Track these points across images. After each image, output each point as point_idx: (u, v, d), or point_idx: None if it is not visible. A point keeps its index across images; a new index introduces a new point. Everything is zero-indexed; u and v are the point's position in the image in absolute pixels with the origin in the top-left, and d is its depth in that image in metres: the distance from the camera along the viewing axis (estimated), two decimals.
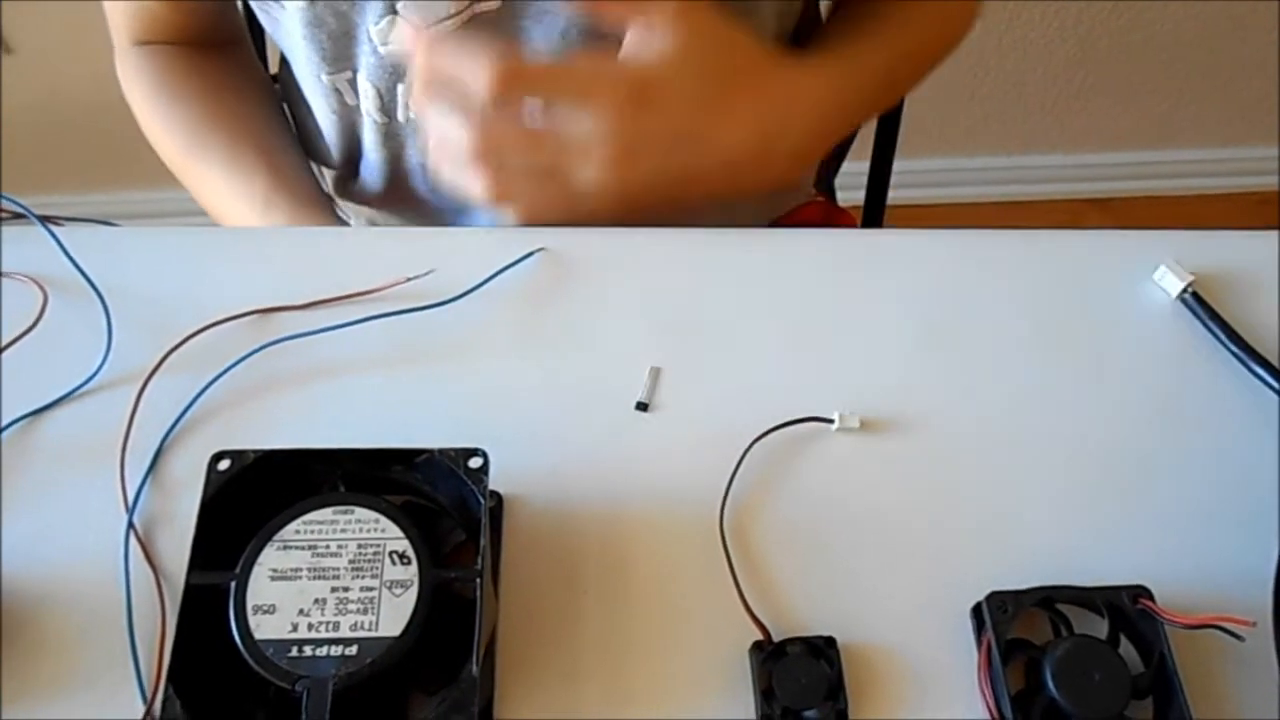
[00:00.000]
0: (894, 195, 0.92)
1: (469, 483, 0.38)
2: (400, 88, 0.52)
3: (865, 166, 0.89)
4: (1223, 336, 0.47)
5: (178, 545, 0.41)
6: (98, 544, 0.41)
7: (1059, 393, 0.46)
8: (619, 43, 0.46)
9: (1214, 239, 0.50)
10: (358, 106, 0.54)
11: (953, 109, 1.48)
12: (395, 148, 0.56)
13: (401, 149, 0.57)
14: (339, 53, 0.51)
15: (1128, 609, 0.40)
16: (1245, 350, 0.46)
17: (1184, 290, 0.47)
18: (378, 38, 0.50)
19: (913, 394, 0.46)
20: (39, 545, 0.42)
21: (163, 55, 0.61)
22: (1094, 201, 1.63)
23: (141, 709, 0.38)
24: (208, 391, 0.45)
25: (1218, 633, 0.40)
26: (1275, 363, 0.46)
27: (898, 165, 0.91)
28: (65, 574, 0.41)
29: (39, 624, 0.40)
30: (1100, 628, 0.40)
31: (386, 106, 0.53)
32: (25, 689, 0.39)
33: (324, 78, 0.53)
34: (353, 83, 0.53)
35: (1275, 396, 0.45)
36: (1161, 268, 0.48)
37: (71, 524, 0.42)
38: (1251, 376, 0.46)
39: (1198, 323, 0.47)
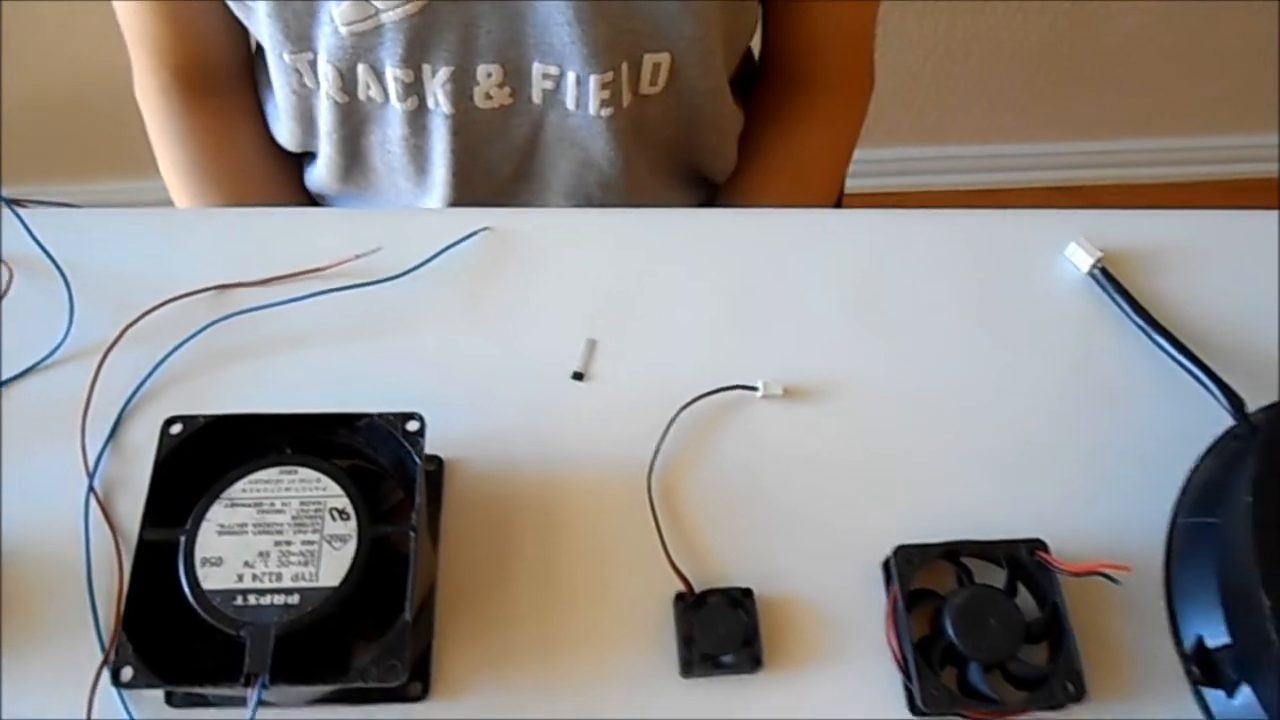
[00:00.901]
0: (867, 183, 0.94)
1: (406, 445, 0.41)
2: (360, 67, 0.54)
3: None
4: (1128, 309, 0.49)
5: (135, 507, 0.42)
6: (60, 507, 0.44)
7: (972, 361, 0.49)
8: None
9: (1125, 217, 0.53)
10: (316, 90, 0.56)
11: (924, 98, 1.51)
12: (354, 126, 0.59)
13: (360, 128, 0.59)
14: (301, 32, 0.53)
15: (1025, 561, 0.42)
16: (1149, 322, 0.49)
17: (1093, 266, 0.50)
18: (339, 18, 0.52)
19: (835, 364, 0.48)
20: (3, 509, 0.44)
21: (185, 121, 0.64)
22: (1065, 189, 1.66)
23: (100, 658, 0.40)
24: (165, 363, 0.47)
25: (1113, 585, 0.43)
26: (1177, 335, 0.49)
27: (872, 154, 0.94)
28: (29, 535, 0.43)
29: (3, 582, 0.43)
30: (1000, 578, 0.43)
31: (347, 86, 0.55)
32: None
33: (285, 57, 0.55)
34: (313, 64, 0.55)
35: (1176, 366, 0.48)
36: (1073, 244, 0.51)
37: (35, 488, 0.44)
38: (1155, 348, 0.49)
39: (1106, 296, 0.50)
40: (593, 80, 0.53)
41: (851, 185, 0.83)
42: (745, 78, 0.68)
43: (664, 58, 0.54)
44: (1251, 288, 0.51)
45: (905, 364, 0.48)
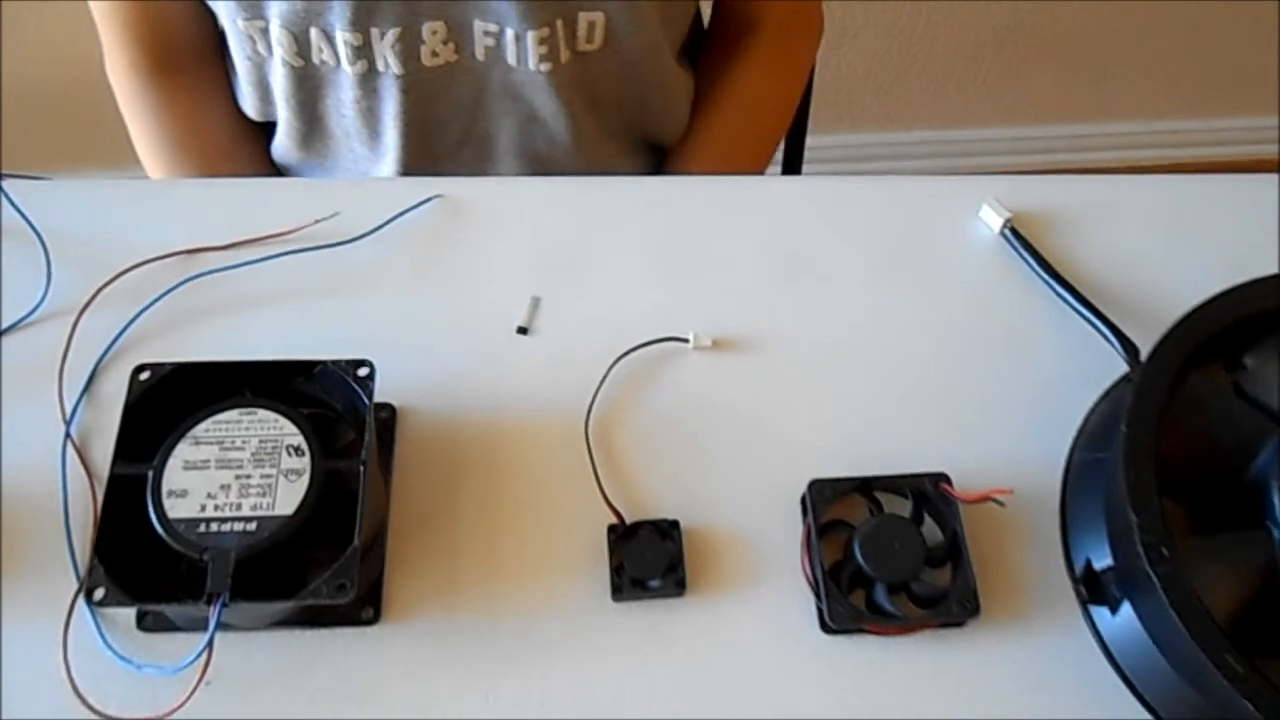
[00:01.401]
0: (835, 168, 0.97)
1: (357, 388, 0.44)
2: (313, 31, 0.57)
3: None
4: (1035, 265, 0.53)
5: (109, 453, 0.46)
6: (40, 453, 0.47)
7: (887, 314, 0.52)
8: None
9: (1036, 182, 0.56)
10: (270, 57, 0.60)
11: (891, 83, 1.54)
12: (309, 91, 0.62)
13: (315, 93, 0.62)
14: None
15: (929, 492, 0.46)
16: (1054, 277, 0.53)
17: (1004, 226, 0.54)
18: None
19: (760, 318, 0.52)
20: None
21: (154, 97, 0.67)
22: (1033, 174, 1.69)
23: (76, 586, 0.44)
24: (137, 321, 0.50)
25: (1017, 516, 0.47)
26: (1079, 288, 0.52)
27: (840, 139, 0.97)
28: (11, 479, 0.47)
29: None
30: (909, 510, 0.46)
31: (301, 50, 0.58)
32: None
33: (240, 24, 0.58)
34: (265, 31, 0.58)
35: (1078, 317, 0.52)
36: (985, 206, 0.54)
37: (16, 436, 0.48)
38: (1059, 300, 0.53)
39: (1015, 254, 0.54)
40: (530, 36, 0.56)
41: (819, 170, 0.86)
42: (696, 43, 0.71)
43: (598, 16, 0.58)
44: (1147, 246, 0.54)
45: (825, 317, 0.52)
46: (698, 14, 0.72)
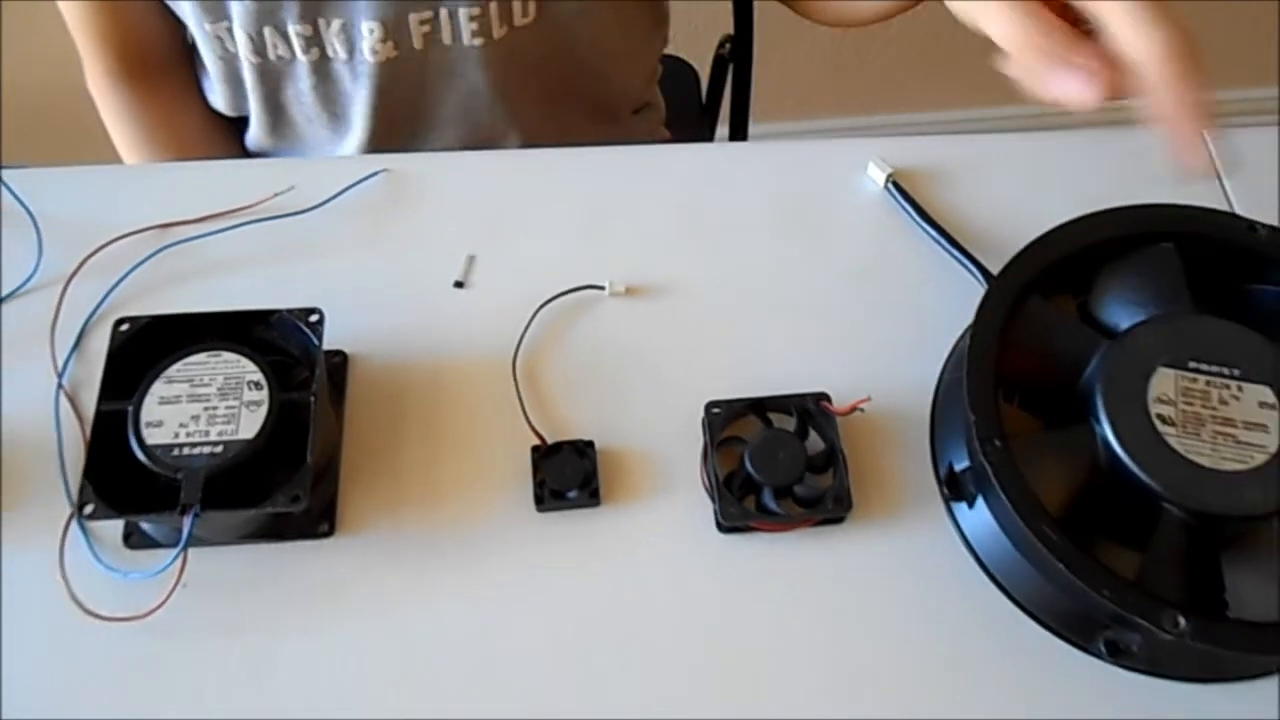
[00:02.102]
0: None
1: (309, 333, 0.51)
2: (267, 30, 0.64)
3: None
4: (915, 215, 0.60)
5: (95, 399, 0.53)
6: (36, 402, 0.54)
7: (784, 261, 0.59)
8: None
9: (918, 142, 0.63)
10: (236, 54, 0.66)
11: (852, 69, 1.60)
12: (272, 84, 0.69)
13: (276, 84, 0.69)
14: (214, 3, 0.63)
15: (812, 409, 0.53)
16: (932, 225, 0.59)
17: (887, 180, 0.60)
18: None
19: (669, 267, 0.59)
20: None
21: (131, 101, 0.74)
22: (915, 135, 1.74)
23: (69, 511, 0.50)
24: (119, 286, 0.57)
25: (890, 429, 0.53)
26: (955, 236, 0.59)
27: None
28: (11, 426, 0.54)
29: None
30: (794, 425, 0.53)
31: (259, 48, 0.65)
32: None
33: (207, 27, 0.65)
34: (230, 31, 0.65)
35: (954, 261, 0.58)
36: (870, 163, 0.61)
37: (16, 388, 0.55)
38: (938, 247, 0.59)
39: (899, 206, 0.60)
40: (462, 14, 0.63)
41: None
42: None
43: None
44: (1013, 195, 0.61)
45: (726, 265, 0.59)
46: None
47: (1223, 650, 0.43)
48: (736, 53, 1.02)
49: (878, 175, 0.61)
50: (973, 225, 0.60)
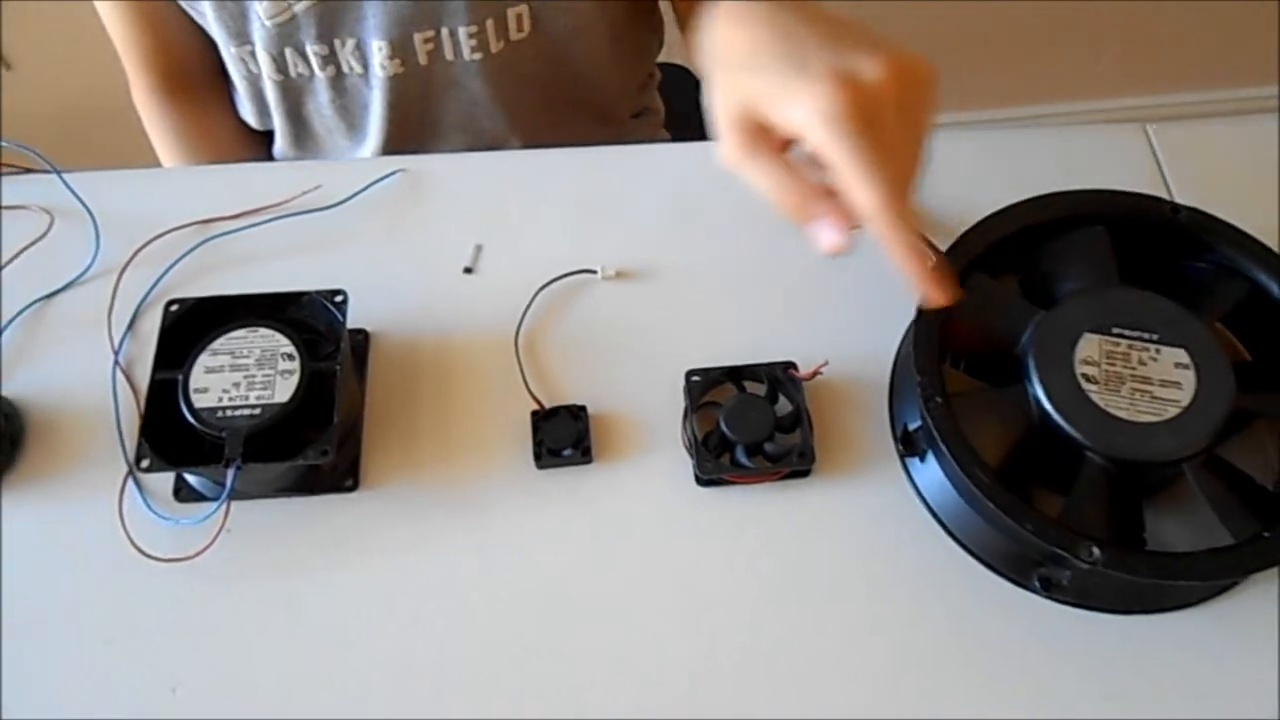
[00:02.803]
0: None
1: (334, 311, 0.58)
2: (288, 50, 0.71)
3: None
4: None
5: (148, 373, 0.60)
6: (95, 377, 0.61)
7: (759, 246, 0.65)
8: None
9: None
10: (260, 74, 0.74)
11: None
12: (294, 100, 0.76)
13: (299, 99, 0.76)
14: (239, 29, 0.71)
15: (781, 376, 0.59)
16: None
17: None
18: (264, 14, 0.70)
19: (655, 254, 0.65)
20: (54, 381, 0.61)
21: (172, 115, 0.81)
22: None
23: (126, 470, 0.57)
24: (167, 274, 0.64)
25: (855, 394, 0.60)
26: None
27: None
28: (74, 397, 0.61)
29: (59, 431, 0.60)
30: (764, 391, 0.59)
31: (281, 67, 0.72)
32: (52, 470, 0.58)
33: (232, 50, 0.72)
34: (253, 54, 0.72)
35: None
36: None
37: (78, 365, 0.62)
38: None
39: None
40: (461, 31, 0.70)
41: None
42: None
43: (523, 8, 0.71)
44: (972, 189, 0.67)
45: (707, 251, 0.65)
46: None
47: (1134, 577, 0.49)
48: None
49: None
50: (929, 212, 0.66)
